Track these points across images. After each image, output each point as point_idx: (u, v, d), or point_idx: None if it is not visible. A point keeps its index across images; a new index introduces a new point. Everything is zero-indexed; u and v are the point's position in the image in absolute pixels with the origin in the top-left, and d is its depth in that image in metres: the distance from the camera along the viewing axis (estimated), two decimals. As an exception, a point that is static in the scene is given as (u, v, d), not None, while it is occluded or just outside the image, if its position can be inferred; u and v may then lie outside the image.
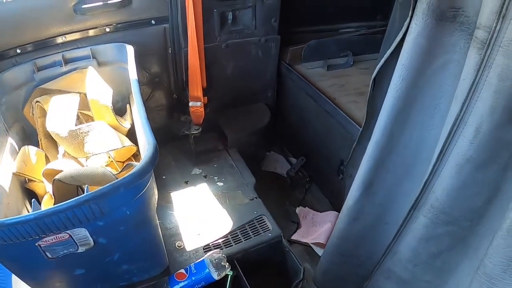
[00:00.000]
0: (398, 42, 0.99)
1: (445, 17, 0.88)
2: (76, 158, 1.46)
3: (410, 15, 0.93)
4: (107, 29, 1.67)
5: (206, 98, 1.87)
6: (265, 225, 1.60)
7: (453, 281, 1.02)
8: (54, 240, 1.01)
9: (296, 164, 2.20)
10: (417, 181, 1.02)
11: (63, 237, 1.01)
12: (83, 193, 1.21)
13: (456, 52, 0.90)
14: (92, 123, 1.46)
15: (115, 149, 1.44)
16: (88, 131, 1.41)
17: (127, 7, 1.66)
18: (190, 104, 1.84)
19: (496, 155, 0.82)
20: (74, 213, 0.96)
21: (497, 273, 0.79)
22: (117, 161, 1.52)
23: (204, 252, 1.50)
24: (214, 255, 1.39)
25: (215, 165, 1.95)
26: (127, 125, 1.58)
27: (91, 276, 1.23)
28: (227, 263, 1.37)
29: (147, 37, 1.77)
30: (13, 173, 1.34)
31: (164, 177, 1.87)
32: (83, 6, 1.57)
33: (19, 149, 1.44)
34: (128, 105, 1.71)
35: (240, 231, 1.58)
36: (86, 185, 1.18)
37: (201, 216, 1.65)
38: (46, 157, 1.51)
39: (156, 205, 1.27)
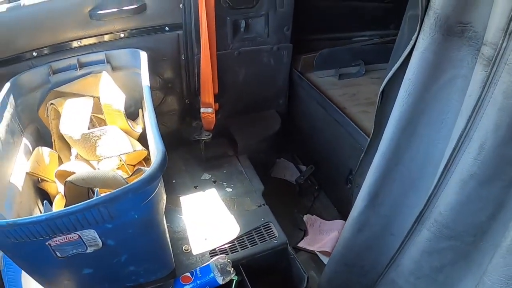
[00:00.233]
0: (406, 56, 1.00)
1: (453, 32, 0.88)
2: (88, 161, 1.49)
3: (417, 29, 0.94)
4: (122, 35, 1.71)
5: (217, 104, 1.89)
6: (271, 232, 1.61)
7: (456, 295, 1.02)
8: (64, 240, 1.03)
9: (305, 172, 2.21)
10: (422, 194, 1.02)
11: (72, 237, 1.03)
12: (94, 195, 1.23)
13: (463, 67, 0.90)
14: (105, 127, 1.49)
15: (126, 153, 1.47)
16: (101, 135, 1.44)
17: (141, 13, 1.69)
18: (202, 110, 1.86)
19: (500, 172, 0.82)
20: (84, 216, 0.99)
21: (495, 291, 0.79)
22: (128, 164, 1.55)
23: (210, 256, 1.51)
24: (219, 260, 1.41)
25: (225, 171, 1.96)
26: (138, 129, 1.61)
27: (98, 275, 1.26)
28: (232, 268, 1.38)
29: (161, 43, 1.80)
30: (27, 173, 1.38)
31: (174, 181, 1.89)
32: (98, 12, 1.61)
33: (33, 149, 1.48)
34: (140, 110, 1.74)
35: (246, 237, 1.59)
36: (96, 188, 1.21)
37: (209, 220, 1.67)
38: (59, 158, 1.54)
39: (164, 209, 1.29)
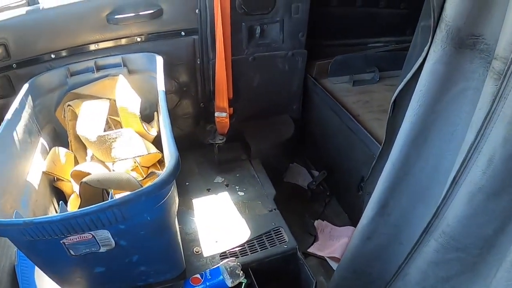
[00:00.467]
0: (418, 67, 1.00)
1: (465, 44, 0.89)
2: (103, 162, 1.53)
3: (429, 40, 0.94)
4: (138, 39, 1.74)
5: (231, 109, 1.91)
6: (281, 237, 1.62)
7: (462, 307, 1.02)
8: (78, 239, 1.06)
9: (318, 177, 2.21)
10: (431, 205, 1.02)
11: (86, 237, 1.06)
12: (108, 196, 1.26)
13: (475, 79, 0.90)
14: (120, 130, 1.52)
15: (140, 156, 1.50)
16: (116, 137, 1.47)
17: (158, 18, 1.73)
18: (216, 114, 1.88)
19: (508, 186, 0.82)
20: (98, 217, 1.02)
21: (499, 304, 0.79)
22: (142, 166, 1.58)
23: (221, 259, 1.53)
24: (229, 262, 1.42)
25: (238, 175, 1.98)
26: (153, 132, 1.64)
27: (109, 274, 1.28)
28: (242, 272, 1.40)
29: (177, 47, 1.83)
30: (43, 172, 1.42)
31: (187, 183, 1.91)
32: (116, 16, 1.64)
33: (50, 149, 1.52)
34: (155, 113, 1.76)
35: (256, 241, 1.60)
36: (111, 189, 1.24)
37: (220, 223, 1.69)
38: (75, 158, 1.58)
39: (176, 212, 1.31)
